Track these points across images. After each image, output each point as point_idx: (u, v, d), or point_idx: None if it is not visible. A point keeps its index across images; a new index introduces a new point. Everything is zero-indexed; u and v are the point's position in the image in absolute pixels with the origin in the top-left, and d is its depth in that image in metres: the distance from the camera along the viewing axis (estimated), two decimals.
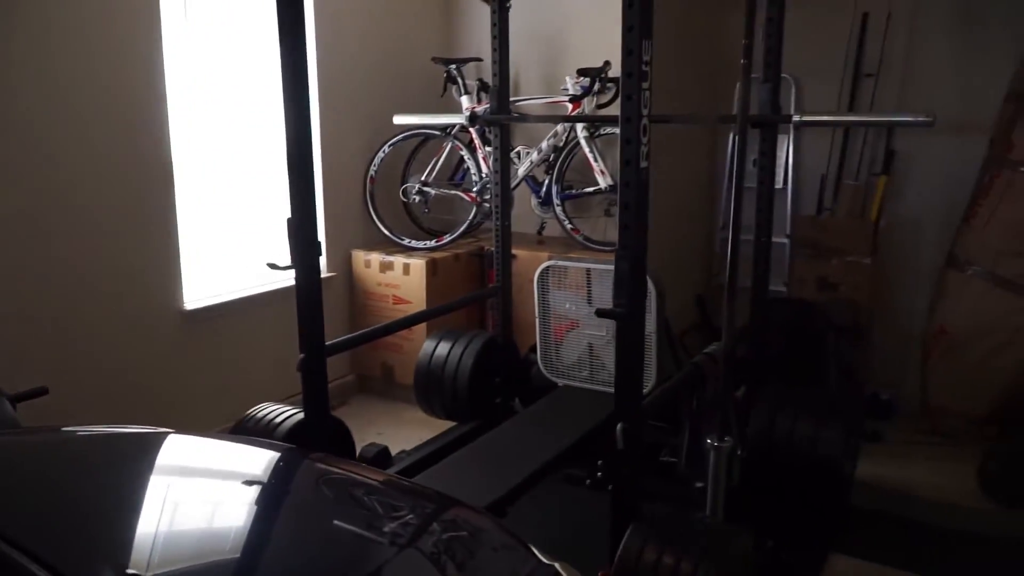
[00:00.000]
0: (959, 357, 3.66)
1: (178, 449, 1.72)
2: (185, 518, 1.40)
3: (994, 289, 3.55)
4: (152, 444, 1.71)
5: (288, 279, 3.95)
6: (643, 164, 1.95)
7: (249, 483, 1.62)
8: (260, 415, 2.68)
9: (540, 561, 1.46)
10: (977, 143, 3.63)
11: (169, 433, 1.75)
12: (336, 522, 1.48)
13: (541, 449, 2.80)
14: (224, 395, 3.74)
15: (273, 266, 2.51)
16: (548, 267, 3.23)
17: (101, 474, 1.50)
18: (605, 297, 3.15)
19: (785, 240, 3.98)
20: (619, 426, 2.06)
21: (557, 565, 1.45)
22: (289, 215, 2.49)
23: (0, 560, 1.08)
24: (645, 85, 1.91)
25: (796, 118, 2.71)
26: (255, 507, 1.50)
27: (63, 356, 3.16)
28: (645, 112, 1.92)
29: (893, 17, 3.69)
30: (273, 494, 1.61)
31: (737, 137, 2.33)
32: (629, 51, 1.88)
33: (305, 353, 2.54)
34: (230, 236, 3.89)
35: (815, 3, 3.72)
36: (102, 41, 3.18)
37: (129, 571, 1.08)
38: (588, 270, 3.17)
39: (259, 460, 1.74)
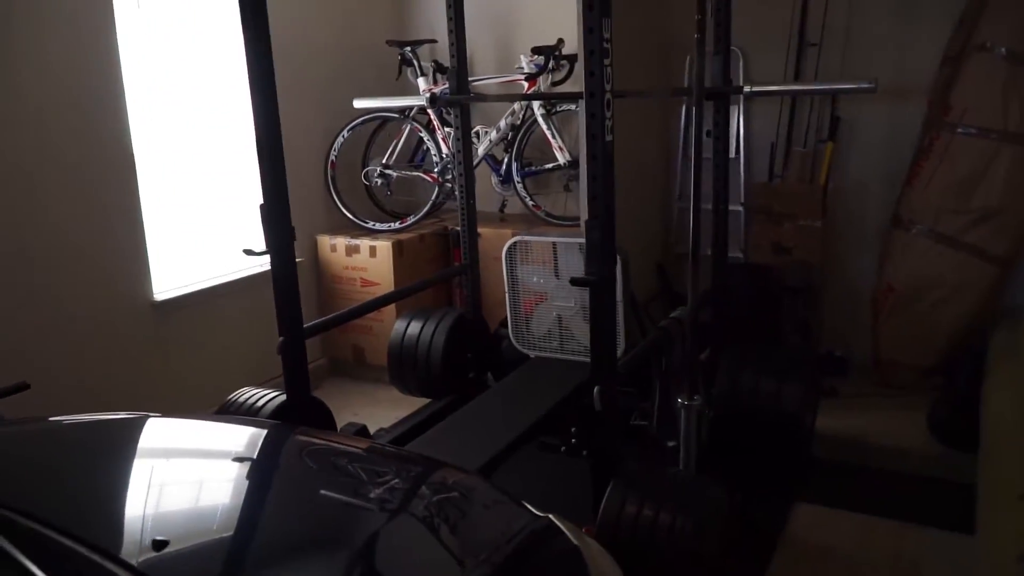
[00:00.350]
0: (906, 313, 3.85)
1: (173, 430, 1.78)
2: (195, 490, 1.46)
3: (936, 246, 3.73)
4: (149, 427, 1.76)
5: (256, 266, 4.00)
6: (608, 137, 2.04)
7: (246, 457, 1.69)
8: (242, 399, 2.73)
9: (534, 515, 1.55)
10: (917, 107, 3.80)
11: (162, 416, 1.80)
12: (337, 487, 1.55)
13: (516, 419, 2.89)
14: (200, 383, 3.76)
15: (249, 252, 2.55)
16: (515, 243, 3.31)
17: (106, 456, 1.55)
18: (571, 270, 3.25)
19: (740, 208, 4.12)
20: (596, 388, 2.16)
21: (551, 516, 1.54)
22: (262, 201, 2.54)
23: (32, 538, 1.13)
24: (607, 61, 1.99)
25: (747, 89, 2.82)
26: (257, 477, 1.57)
27: (38, 352, 3.15)
28: (608, 87, 2.01)
29: None
30: (269, 465, 1.68)
31: (693, 109, 2.43)
32: (590, 29, 1.96)
33: (284, 336, 2.60)
34: (196, 225, 3.88)
35: None
36: (56, 31, 3.14)
37: (157, 538, 1.14)
38: (554, 244, 3.26)
39: (252, 436, 1.80)
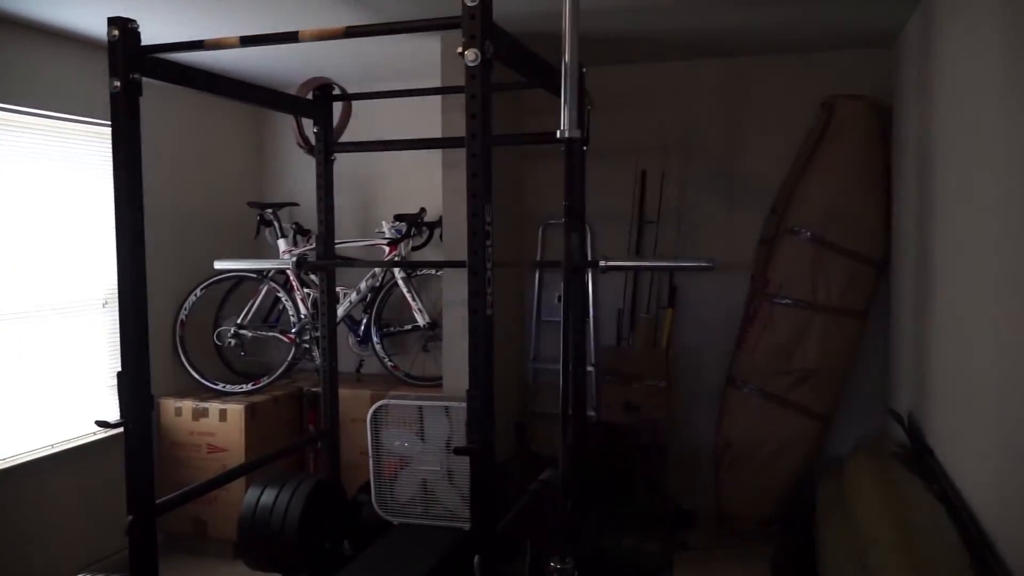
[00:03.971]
0: (744, 467, 4.13)
1: None
2: None
3: (766, 404, 4.09)
4: None
5: (90, 434, 3.71)
6: (489, 311, 2.16)
7: None
8: None
9: None
10: (741, 278, 4.27)
11: None
12: None
13: None
14: (26, 566, 3.38)
15: (103, 424, 2.41)
16: (381, 406, 3.30)
17: None
18: (438, 433, 3.28)
19: (591, 369, 4.35)
20: (476, 558, 2.15)
21: None
22: (120, 369, 2.41)
23: None
24: (488, 243, 2.14)
25: (602, 263, 3.08)
26: None
27: None
28: (489, 266, 2.15)
29: (666, 175, 4.33)
30: None
31: (563, 281, 2.63)
32: (474, 214, 2.11)
33: (134, 515, 2.40)
34: (15, 390, 3.56)
35: (605, 162, 4.25)
36: None
37: None
38: (420, 407, 3.28)
39: None
